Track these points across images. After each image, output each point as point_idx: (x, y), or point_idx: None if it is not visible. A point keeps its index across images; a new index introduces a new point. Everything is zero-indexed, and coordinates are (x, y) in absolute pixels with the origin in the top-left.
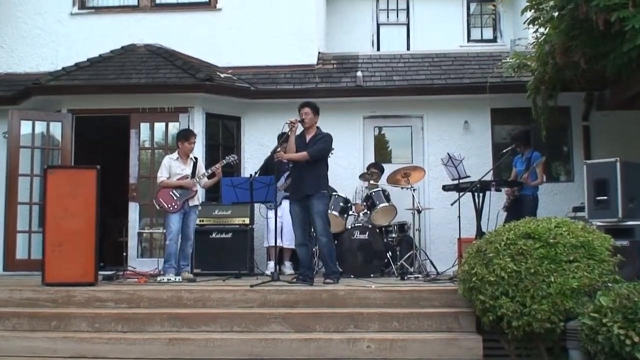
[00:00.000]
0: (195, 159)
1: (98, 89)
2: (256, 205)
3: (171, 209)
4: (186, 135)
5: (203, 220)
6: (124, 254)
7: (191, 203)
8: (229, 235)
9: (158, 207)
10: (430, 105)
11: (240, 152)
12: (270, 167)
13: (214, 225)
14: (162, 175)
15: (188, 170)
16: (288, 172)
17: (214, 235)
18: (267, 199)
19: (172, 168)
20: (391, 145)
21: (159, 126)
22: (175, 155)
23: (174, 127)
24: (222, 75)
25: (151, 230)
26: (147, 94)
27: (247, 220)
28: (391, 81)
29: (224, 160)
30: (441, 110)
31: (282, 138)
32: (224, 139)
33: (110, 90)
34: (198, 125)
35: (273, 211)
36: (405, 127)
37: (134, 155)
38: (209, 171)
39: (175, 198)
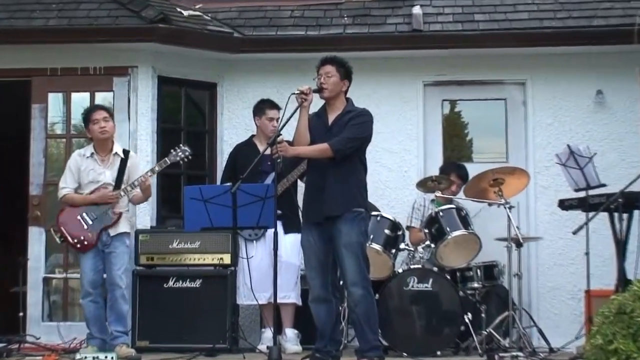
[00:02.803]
0: (125, 153)
1: None
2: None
3: (79, 244)
4: (87, 113)
5: (152, 258)
6: (20, 314)
7: (114, 231)
8: (197, 283)
9: (59, 241)
10: (539, 64)
11: (216, 140)
12: (242, 166)
13: (171, 266)
14: (65, 186)
15: (109, 175)
16: (275, 174)
17: (170, 283)
18: (260, 222)
19: (82, 172)
20: (471, 131)
21: (80, 98)
22: (88, 149)
23: (104, 100)
24: (185, 14)
25: (65, 275)
26: (59, 45)
27: (226, 259)
28: (471, 22)
29: (167, 160)
30: (556, 72)
31: (287, 119)
32: (188, 119)
33: None
34: (144, 96)
35: (255, 245)
36: (496, 102)
37: (37, 148)
38: (137, 182)
39: (85, 225)
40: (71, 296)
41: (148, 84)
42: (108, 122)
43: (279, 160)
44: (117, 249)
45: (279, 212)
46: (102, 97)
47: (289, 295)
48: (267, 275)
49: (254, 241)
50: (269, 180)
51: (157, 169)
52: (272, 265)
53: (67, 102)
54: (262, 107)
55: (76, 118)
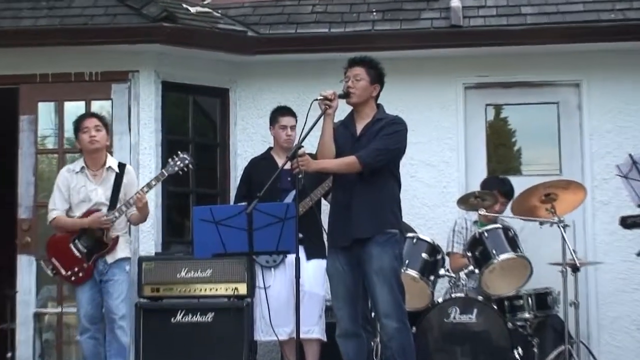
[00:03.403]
0: (121, 167)
1: None
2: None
3: (73, 277)
4: (77, 121)
5: (158, 289)
6: (8, 354)
7: (112, 257)
8: (208, 317)
9: (51, 274)
10: (596, 63)
11: (229, 154)
12: (259, 183)
13: (179, 298)
14: (54, 208)
15: (102, 193)
16: (296, 191)
17: (179, 317)
18: (280, 247)
19: (72, 191)
20: (519, 140)
21: (74, 108)
22: (77, 164)
23: (101, 109)
24: (192, 10)
25: (59, 309)
26: (50, 48)
27: (242, 289)
28: (518, 16)
29: (164, 172)
30: (616, 71)
31: (309, 129)
32: (197, 130)
33: None
34: (147, 105)
35: (274, 273)
36: (547, 106)
37: (25, 166)
38: (132, 201)
39: (78, 254)
40: (66, 333)
41: (151, 91)
42: (100, 131)
43: (300, 176)
44: (115, 276)
45: (300, 235)
46: (99, 106)
47: (313, 329)
48: (287, 307)
49: (272, 269)
50: (289, 199)
51: (153, 183)
52: (293, 296)
53: (59, 112)
54: (275, 114)
55: (70, 130)
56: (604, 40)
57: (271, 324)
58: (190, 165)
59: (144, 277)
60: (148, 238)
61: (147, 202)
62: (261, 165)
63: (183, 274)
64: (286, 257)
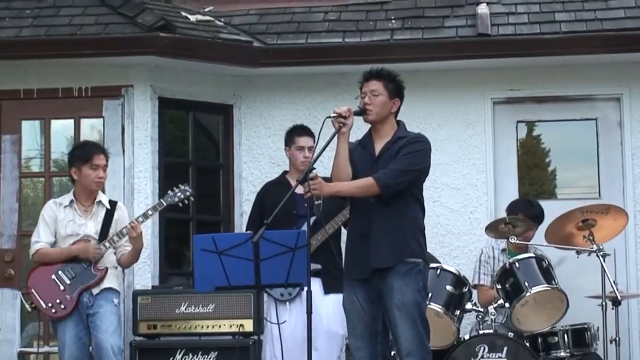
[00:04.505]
0: (112, 205)
1: None
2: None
3: (54, 310)
4: (85, 150)
5: (155, 326)
6: None
7: (97, 288)
8: (211, 357)
9: (29, 308)
10: (638, 74)
11: (233, 177)
12: (273, 210)
13: (179, 336)
14: (39, 240)
15: (92, 227)
16: (315, 219)
17: (178, 357)
18: (290, 279)
19: (59, 223)
20: (554, 160)
21: (61, 127)
22: (66, 198)
23: (92, 129)
24: (192, 19)
25: (46, 349)
26: (35, 61)
27: (248, 326)
28: (552, 23)
29: (162, 202)
30: None
31: (321, 149)
32: (198, 151)
33: None
34: (142, 123)
35: (289, 307)
36: (584, 123)
37: (8, 191)
38: (125, 230)
39: (61, 285)
40: None
41: (146, 108)
42: (106, 171)
43: (318, 202)
44: (102, 307)
45: (318, 266)
46: (89, 125)
47: None
48: (303, 345)
49: (287, 302)
50: (306, 226)
51: (150, 213)
52: (314, 331)
53: (45, 131)
54: (291, 134)
55: (57, 152)
56: None
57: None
58: (192, 198)
59: (140, 312)
60: (144, 270)
61: (142, 234)
62: (275, 190)
63: (183, 309)
64: (303, 289)
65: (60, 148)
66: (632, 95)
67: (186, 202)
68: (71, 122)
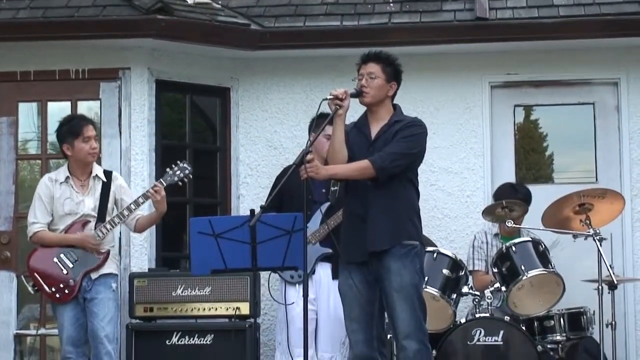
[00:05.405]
0: (108, 176)
1: None
2: (263, 277)
3: (57, 294)
4: (74, 124)
5: (151, 309)
6: None
7: (96, 273)
8: (208, 340)
9: (32, 291)
10: (636, 59)
11: (230, 160)
12: (289, 194)
13: (175, 319)
14: (36, 221)
15: (89, 204)
16: (329, 205)
17: (174, 340)
18: (287, 262)
19: (56, 202)
20: (551, 144)
21: (58, 109)
22: (61, 173)
23: (89, 111)
24: (189, 1)
25: (43, 331)
26: (32, 43)
27: (244, 308)
28: (550, 7)
29: (162, 181)
30: None
31: (318, 130)
32: (195, 134)
33: None
34: (139, 105)
35: (298, 289)
36: (582, 107)
37: (5, 173)
38: (141, 199)
39: (64, 269)
40: (50, 357)
41: (143, 90)
42: (97, 141)
43: (334, 188)
44: (100, 294)
45: (328, 251)
46: (86, 107)
47: (335, 356)
48: (312, 326)
49: (297, 285)
50: (321, 211)
51: (159, 185)
52: (317, 316)
53: (42, 113)
54: (320, 121)
55: (53, 134)
56: None
57: (289, 346)
58: (190, 176)
59: (136, 295)
60: (141, 253)
61: (165, 197)
62: (291, 174)
63: (179, 292)
64: (314, 272)
65: (59, 129)
66: (629, 80)
67: (185, 180)
68: (68, 104)
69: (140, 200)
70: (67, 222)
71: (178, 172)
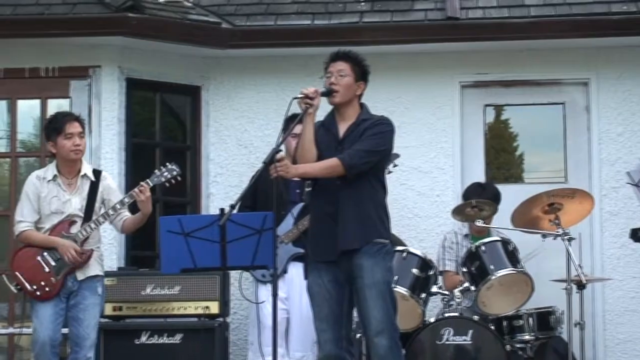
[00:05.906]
0: (97, 175)
1: None
2: (234, 277)
3: (38, 291)
4: (56, 121)
5: (121, 308)
6: None
7: (82, 274)
8: (177, 339)
9: (14, 290)
10: (606, 59)
11: (200, 159)
12: (264, 193)
13: (144, 318)
14: (22, 219)
15: (76, 204)
16: (303, 205)
17: (143, 339)
18: (256, 261)
19: (42, 201)
20: (521, 144)
21: (28, 107)
22: (49, 171)
23: (59, 109)
24: (160, 0)
25: (17, 330)
26: (2, 41)
27: (213, 307)
28: (521, 7)
29: (149, 182)
30: (628, 68)
31: (289, 129)
32: (165, 132)
33: None
34: (109, 104)
35: (270, 288)
36: (552, 107)
37: None
38: (127, 199)
39: (46, 267)
40: (18, 357)
41: (114, 89)
42: (83, 138)
43: (308, 189)
44: (87, 299)
45: (300, 252)
46: (56, 105)
47: (307, 355)
48: (281, 327)
49: (269, 284)
50: (295, 211)
51: (146, 185)
52: (288, 315)
53: (11, 111)
54: (288, 123)
55: (23, 132)
56: (615, 34)
57: (260, 345)
58: (179, 178)
59: (106, 294)
60: (110, 252)
61: (150, 197)
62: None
63: (148, 291)
64: (286, 272)
65: (26, 128)
66: (599, 80)
67: (173, 181)
68: (38, 102)
69: (126, 200)
70: (54, 221)
71: (165, 173)
